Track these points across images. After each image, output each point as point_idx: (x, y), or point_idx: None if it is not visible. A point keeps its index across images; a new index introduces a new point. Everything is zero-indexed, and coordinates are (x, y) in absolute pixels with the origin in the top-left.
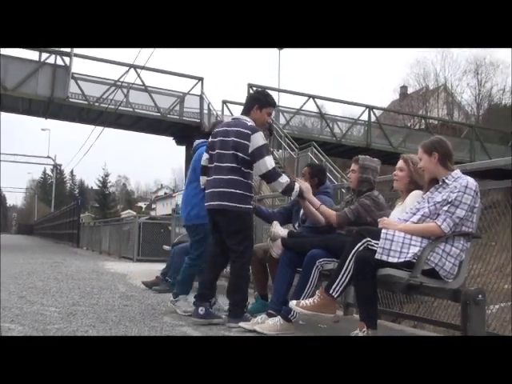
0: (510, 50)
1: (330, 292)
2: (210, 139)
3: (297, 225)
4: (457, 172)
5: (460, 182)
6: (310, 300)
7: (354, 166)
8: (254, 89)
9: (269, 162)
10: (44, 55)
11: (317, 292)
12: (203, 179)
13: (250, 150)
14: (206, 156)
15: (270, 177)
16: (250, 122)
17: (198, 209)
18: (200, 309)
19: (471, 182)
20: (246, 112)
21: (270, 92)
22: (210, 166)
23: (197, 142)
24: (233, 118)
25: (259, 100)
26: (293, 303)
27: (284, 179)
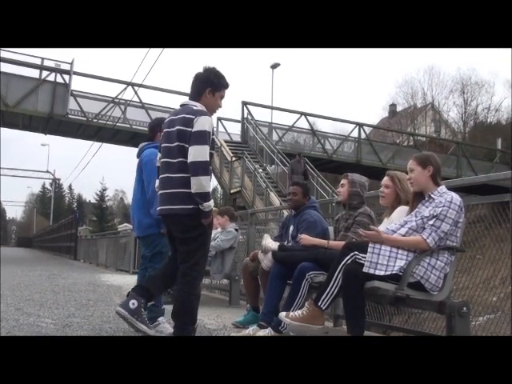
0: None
1: (319, 304)
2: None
3: (286, 243)
4: (442, 187)
5: (445, 198)
6: (300, 312)
7: (343, 181)
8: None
9: (204, 153)
10: (44, 73)
11: (306, 304)
12: (157, 182)
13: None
14: (160, 155)
15: (196, 168)
16: (197, 107)
17: (152, 217)
18: (132, 302)
19: (455, 197)
20: (195, 97)
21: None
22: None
23: (142, 144)
24: (181, 105)
25: (211, 82)
26: (282, 315)
27: (207, 183)
